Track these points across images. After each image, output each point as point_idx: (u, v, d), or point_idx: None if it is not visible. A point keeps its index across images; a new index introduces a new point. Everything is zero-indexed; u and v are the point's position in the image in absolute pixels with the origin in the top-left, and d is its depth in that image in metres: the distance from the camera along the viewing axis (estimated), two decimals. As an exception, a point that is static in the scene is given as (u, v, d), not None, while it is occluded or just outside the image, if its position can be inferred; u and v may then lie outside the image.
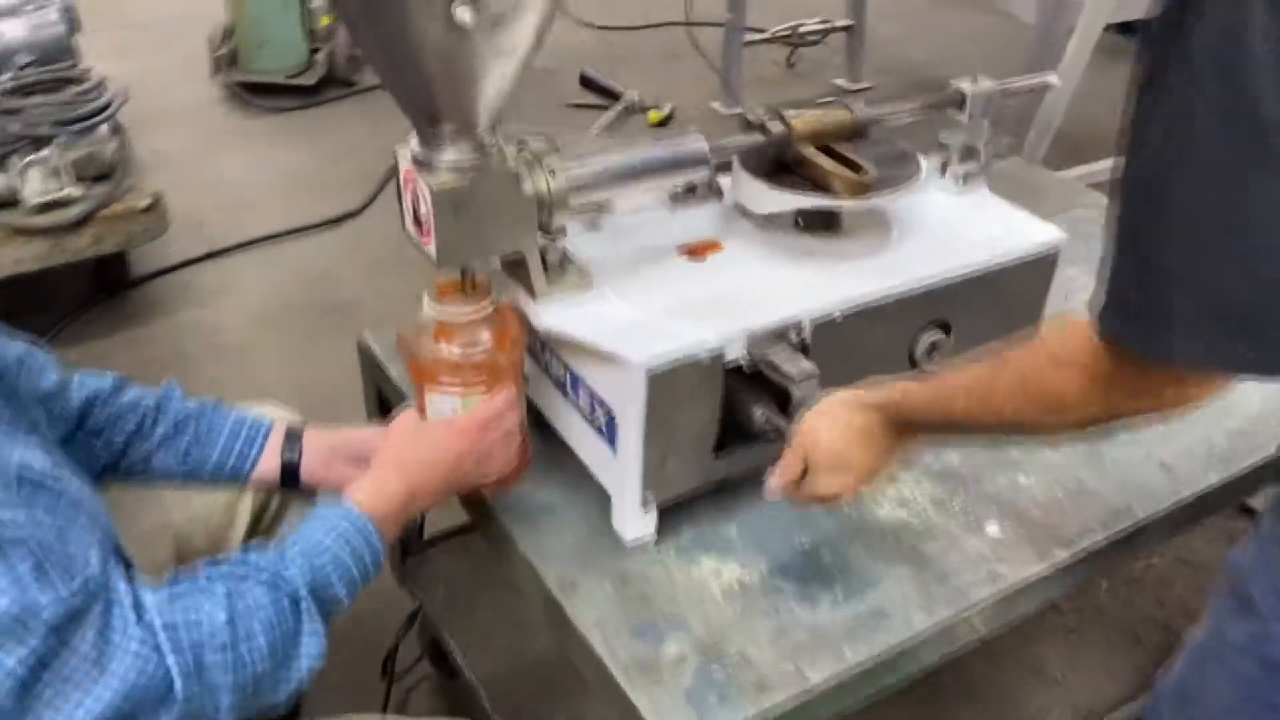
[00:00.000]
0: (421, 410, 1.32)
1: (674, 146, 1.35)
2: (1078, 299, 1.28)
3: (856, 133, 1.48)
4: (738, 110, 4.39)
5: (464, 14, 0.99)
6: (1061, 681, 1.89)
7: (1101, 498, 1.46)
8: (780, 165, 1.46)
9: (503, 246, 1.24)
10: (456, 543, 1.97)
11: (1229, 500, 1.57)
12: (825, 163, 1.42)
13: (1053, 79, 1.66)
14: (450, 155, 1.16)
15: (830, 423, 1.21)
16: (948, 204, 1.57)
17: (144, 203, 2.82)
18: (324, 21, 4.46)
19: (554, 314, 1.30)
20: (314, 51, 4.48)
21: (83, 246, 2.78)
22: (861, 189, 1.39)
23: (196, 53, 4.74)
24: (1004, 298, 1.49)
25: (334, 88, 4.55)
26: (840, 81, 4.72)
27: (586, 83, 1.58)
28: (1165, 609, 2.07)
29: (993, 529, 1.42)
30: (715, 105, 4.45)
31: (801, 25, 4.51)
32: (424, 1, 1.00)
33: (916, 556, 1.37)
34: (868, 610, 1.30)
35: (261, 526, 1.54)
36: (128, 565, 1.20)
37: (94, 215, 2.75)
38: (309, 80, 4.43)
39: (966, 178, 1.58)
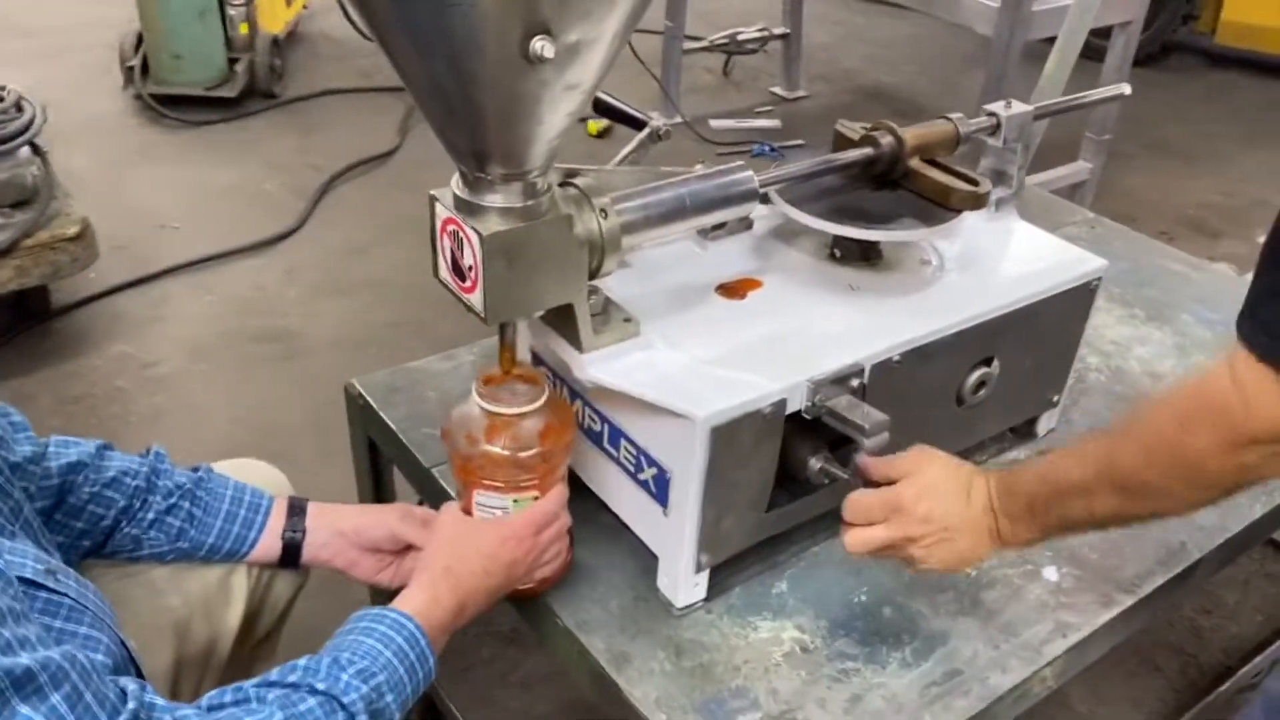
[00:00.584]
0: (467, 509, 1.21)
1: (725, 180, 1.25)
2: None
3: (958, 145, 1.43)
4: (678, 120, 4.32)
5: (544, 48, 0.88)
6: (1089, 716, 1.85)
7: (1154, 536, 1.41)
8: (884, 180, 1.41)
9: (553, 298, 1.13)
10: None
11: (1266, 532, 1.54)
12: (940, 176, 1.36)
13: (1125, 89, 1.62)
14: (500, 199, 1.05)
15: (941, 465, 1.14)
16: (982, 231, 1.50)
17: (72, 230, 2.61)
18: (243, 30, 4.25)
19: (603, 367, 1.19)
20: (233, 62, 4.26)
21: (5, 280, 2.56)
22: (978, 200, 1.35)
23: (98, 62, 4.48)
24: (1047, 327, 1.44)
25: (256, 99, 4.34)
26: (777, 89, 4.68)
27: (601, 108, 1.47)
28: (1176, 631, 2.05)
29: (1051, 574, 1.36)
30: (653, 114, 4.35)
31: (740, 33, 4.45)
32: (496, 36, 0.88)
33: (979, 608, 1.31)
34: (941, 672, 1.22)
35: (254, 600, 1.41)
36: (134, 662, 1.08)
37: (17, 245, 2.53)
38: (229, 92, 4.21)
39: (998, 203, 1.52)
